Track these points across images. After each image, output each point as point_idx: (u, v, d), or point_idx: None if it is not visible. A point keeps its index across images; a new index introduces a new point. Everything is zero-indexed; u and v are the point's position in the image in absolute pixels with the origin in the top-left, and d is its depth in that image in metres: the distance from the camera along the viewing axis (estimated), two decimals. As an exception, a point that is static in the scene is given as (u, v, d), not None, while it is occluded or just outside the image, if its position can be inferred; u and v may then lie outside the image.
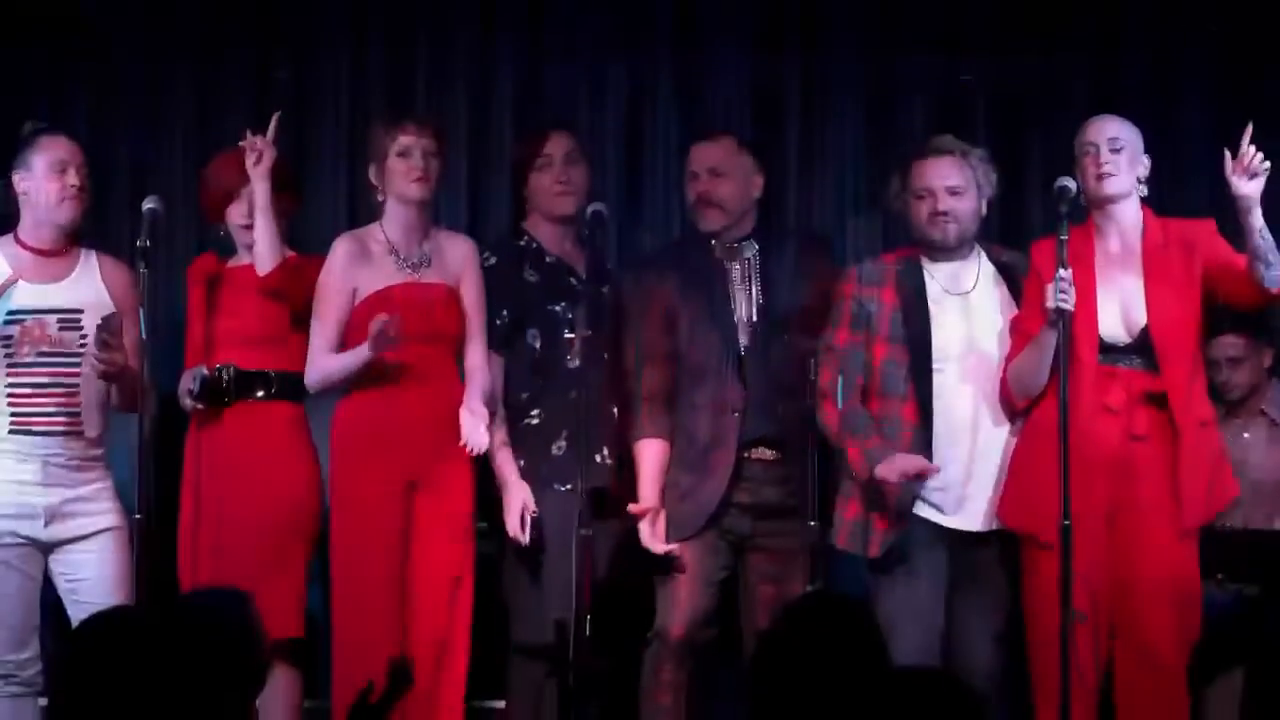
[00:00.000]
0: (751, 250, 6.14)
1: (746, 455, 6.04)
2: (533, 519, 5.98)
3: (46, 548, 5.91)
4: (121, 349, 5.82)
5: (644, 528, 6.06)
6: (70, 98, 7.09)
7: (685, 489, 6.05)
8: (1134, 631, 5.83)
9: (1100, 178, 5.87)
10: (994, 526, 5.92)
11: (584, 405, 5.80)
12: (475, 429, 5.90)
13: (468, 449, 5.90)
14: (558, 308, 6.12)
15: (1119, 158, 5.86)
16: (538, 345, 6.12)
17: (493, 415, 6.01)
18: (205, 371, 6.00)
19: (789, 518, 5.96)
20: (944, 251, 5.97)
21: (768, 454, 6.05)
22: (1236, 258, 5.86)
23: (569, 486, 5.97)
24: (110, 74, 7.16)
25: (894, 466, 5.80)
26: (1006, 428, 5.92)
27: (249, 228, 6.06)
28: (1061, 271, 5.66)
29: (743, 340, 6.07)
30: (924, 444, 5.85)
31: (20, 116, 7.00)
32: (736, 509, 6.05)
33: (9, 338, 5.91)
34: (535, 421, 6.09)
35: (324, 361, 5.96)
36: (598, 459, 6.04)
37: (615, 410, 6.07)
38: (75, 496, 5.91)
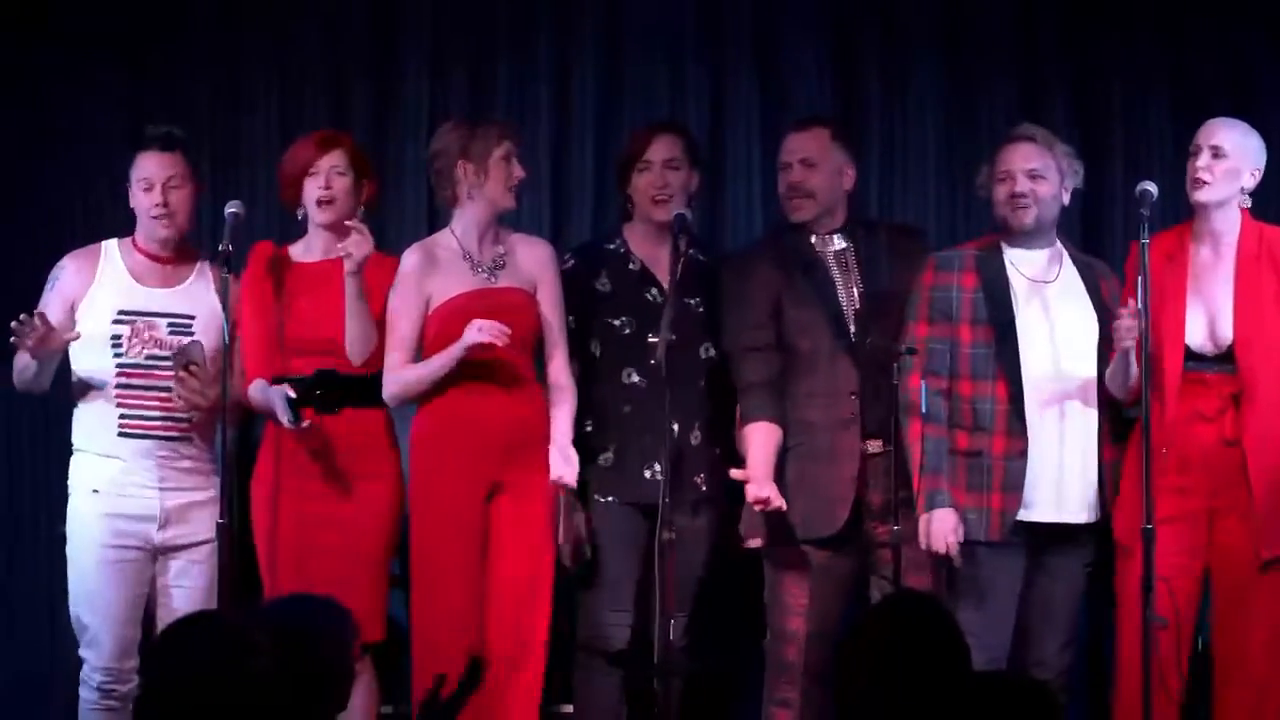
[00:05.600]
0: (843, 243, 6.10)
1: (862, 448, 5.97)
2: (587, 541, 5.99)
3: (156, 553, 5.95)
4: (205, 376, 5.83)
5: (747, 515, 5.95)
6: (146, 105, 7.06)
7: (813, 480, 5.96)
8: (1231, 639, 5.84)
9: (1194, 183, 5.87)
10: (1078, 520, 5.89)
11: (666, 410, 5.74)
12: (565, 470, 5.87)
13: (556, 482, 5.87)
14: (618, 321, 6.04)
15: (1219, 165, 5.84)
16: (599, 355, 6.10)
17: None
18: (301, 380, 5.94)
19: (903, 511, 5.80)
20: (1023, 236, 5.96)
21: (877, 445, 5.96)
22: None
23: (610, 499, 6.00)
24: (187, 81, 7.16)
25: (932, 533, 5.75)
26: (1094, 415, 5.88)
27: (325, 203, 5.99)
28: (1124, 311, 5.67)
29: (852, 329, 5.99)
30: (1019, 419, 5.84)
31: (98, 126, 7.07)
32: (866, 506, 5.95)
33: (118, 337, 5.95)
34: (586, 428, 6.05)
35: (403, 373, 5.91)
36: (647, 474, 6.00)
37: (675, 426, 5.92)
38: (188, 502, 5.95)
